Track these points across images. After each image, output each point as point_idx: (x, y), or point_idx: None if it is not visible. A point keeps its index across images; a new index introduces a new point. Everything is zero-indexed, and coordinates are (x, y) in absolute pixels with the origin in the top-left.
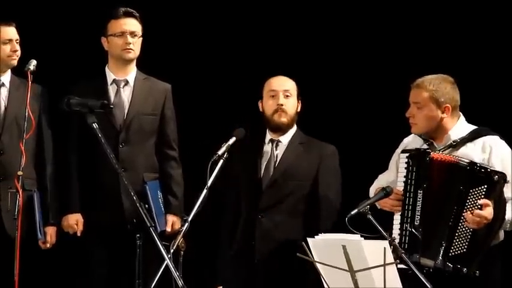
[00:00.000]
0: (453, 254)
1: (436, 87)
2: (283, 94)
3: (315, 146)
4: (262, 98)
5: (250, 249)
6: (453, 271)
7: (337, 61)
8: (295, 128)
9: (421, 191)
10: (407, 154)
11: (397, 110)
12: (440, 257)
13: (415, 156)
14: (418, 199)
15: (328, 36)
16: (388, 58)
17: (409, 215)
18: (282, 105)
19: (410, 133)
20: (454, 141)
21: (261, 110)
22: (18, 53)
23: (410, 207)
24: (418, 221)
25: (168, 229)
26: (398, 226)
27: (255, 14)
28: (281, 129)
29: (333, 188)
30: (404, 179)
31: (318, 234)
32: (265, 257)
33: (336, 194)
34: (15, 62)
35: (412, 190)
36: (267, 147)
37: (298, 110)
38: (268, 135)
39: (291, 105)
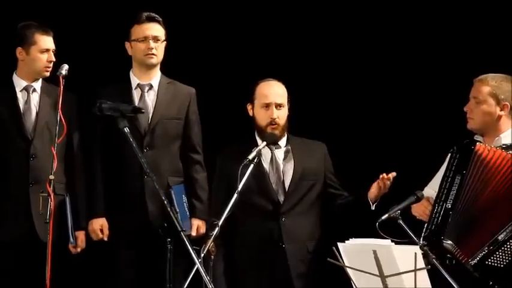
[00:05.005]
0: (490, 264)
1: (498, 84)
2: (276, 106)
3: (313, 145)
4: (251, 101)
5: (280, 252)
6: (480, 278)
7: (337, 61)
8: None
9: (459, 177)
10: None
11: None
12: (475, 261)
13: (460, 145)
14: (455, 184)
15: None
16: (388, 57)
17: (443, 198)
18: (275, 118)
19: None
20: (504, 145)
21: (250, 114)
22: (52, 63)
23: (445, 191)
24: (450, 205)
25: (193, 233)
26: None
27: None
28: (276, 141)
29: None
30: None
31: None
32: (296, 257)
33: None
34: (48, 74)
35: (451, 175)
36: (264, 152)
37: (288, 113)
38: (261, 141)
39: (283, 115)
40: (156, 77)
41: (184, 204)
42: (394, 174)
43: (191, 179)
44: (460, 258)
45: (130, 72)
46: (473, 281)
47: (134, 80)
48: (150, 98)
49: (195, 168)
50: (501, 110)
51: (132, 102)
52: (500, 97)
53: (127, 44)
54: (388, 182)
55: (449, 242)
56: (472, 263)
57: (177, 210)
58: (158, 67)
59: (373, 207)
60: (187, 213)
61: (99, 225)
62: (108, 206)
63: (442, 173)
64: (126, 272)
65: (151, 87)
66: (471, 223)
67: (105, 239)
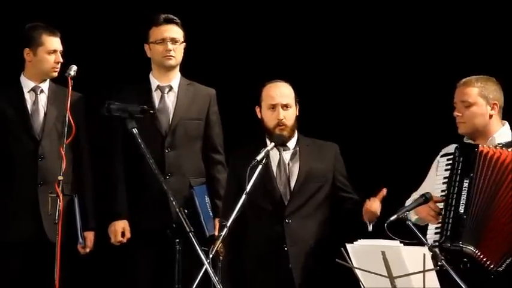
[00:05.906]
0: None
1: (484, 84)
2: (282, 107)
3: (324, 146)
4: (259, 104)
5: (283, 254)
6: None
7: (341, 61)
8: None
9: (467, 180)
10: (449, 156)
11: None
12: (503, 267)
13: (462, 148)
14: (464, 188)
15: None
16: (388, 57)
17: (453, 203)
18: (282, 119)
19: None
20: (498, 144)
21: (259, 116)
22: (60, 64)
23: (454, 195)
24: (463, 209)
25: (217, 233)
26: (434, 230)
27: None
28: (284, 143)
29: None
30: (443, 181)
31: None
32: (299, 260)
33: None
34: (56, 74)
35: (457, 180)
36: (272, 153)
37: (297, 113)
38: (269, 143)
39: (291, 116)
40: (175, 78)
41: (207, 204)
42: (383, 193)
43: (213, 179)
44: (485, 265)
45: (150, 74)
46: (487, 283)
47: (154, 82)
48: (170, 100)
49: (216, 168)
50: (492, 109)
51: (152, 104)
52: (489, 97)
53: (146, 46)
54: (373, 211)
55: (471, 247)
56: (500, 269)
57: (200, 211)
58: (177, 69)
59: (370, 228)
60: (211, 213)
61: (122, 228)
62: (130, 205)
63: (432, 179)
64: (141, 272)
65: (171, 88)
66: (488, 226)
67: (125, 240)
